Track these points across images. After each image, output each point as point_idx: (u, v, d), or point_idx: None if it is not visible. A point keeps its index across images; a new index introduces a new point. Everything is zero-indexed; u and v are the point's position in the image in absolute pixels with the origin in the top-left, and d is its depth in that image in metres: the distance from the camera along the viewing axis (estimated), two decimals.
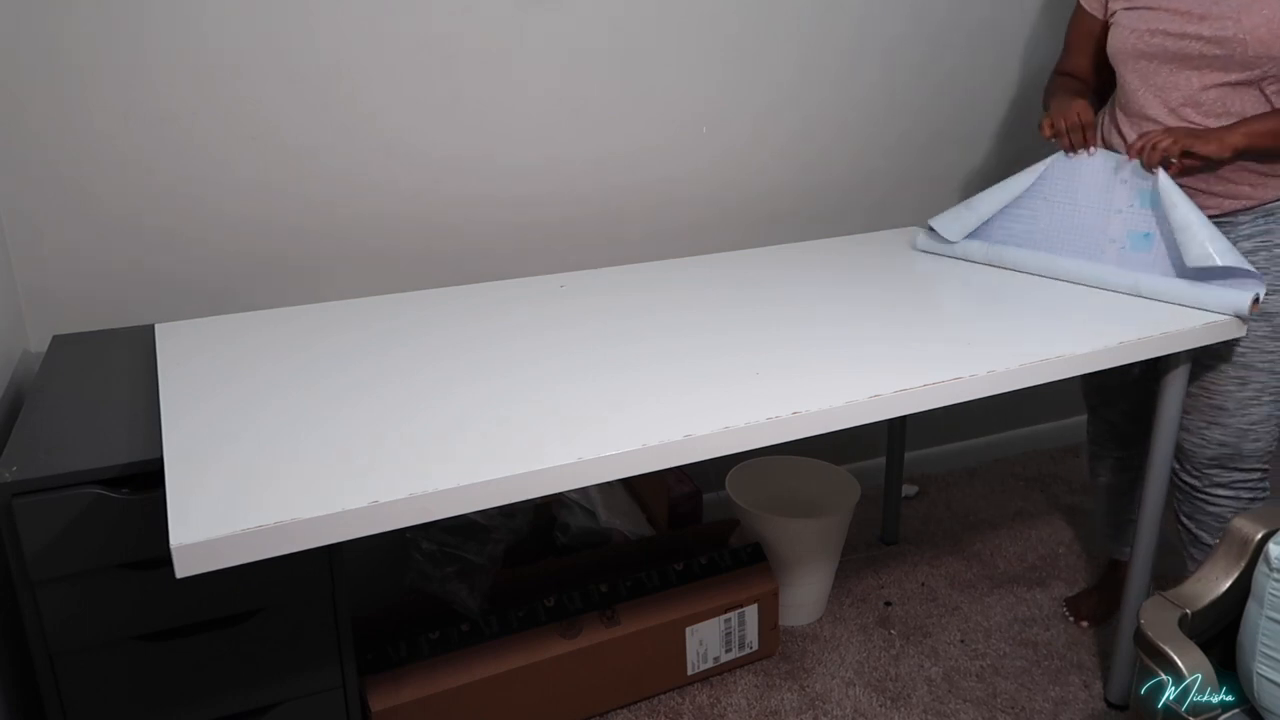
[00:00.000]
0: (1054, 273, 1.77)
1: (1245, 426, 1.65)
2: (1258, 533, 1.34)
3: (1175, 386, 1.63)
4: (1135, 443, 1.94)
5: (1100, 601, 2.06)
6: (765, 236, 2.25)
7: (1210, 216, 1.63)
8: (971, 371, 1.36)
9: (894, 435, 2.27)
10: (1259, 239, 1.62)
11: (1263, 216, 1.62)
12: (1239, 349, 1.63)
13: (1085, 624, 2.04)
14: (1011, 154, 2.43)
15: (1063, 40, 1.93)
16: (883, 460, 2.61)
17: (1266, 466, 1.69)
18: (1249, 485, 1.70)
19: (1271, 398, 1.65)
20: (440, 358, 1.44)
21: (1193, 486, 1.74)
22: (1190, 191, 1.64)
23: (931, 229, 1.94)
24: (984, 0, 2.26)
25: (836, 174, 2.26)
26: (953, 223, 1.89)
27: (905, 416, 2.34)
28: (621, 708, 1.83)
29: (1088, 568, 2.26)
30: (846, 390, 1.30)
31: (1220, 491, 1.71)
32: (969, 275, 1.81)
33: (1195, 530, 1.76)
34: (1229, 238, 1.63)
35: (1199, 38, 1.57)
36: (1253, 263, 1.61)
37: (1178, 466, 1.75)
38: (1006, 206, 1.83)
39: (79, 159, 1.66)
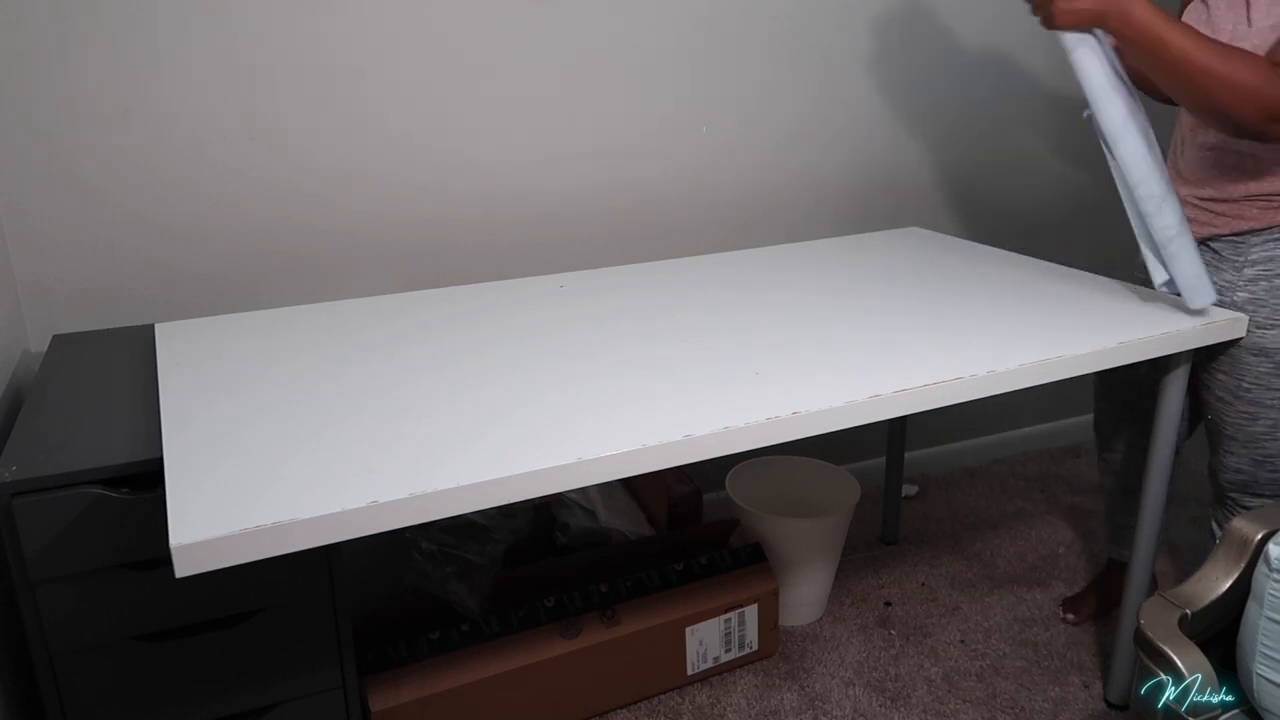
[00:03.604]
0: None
1: (1260, 458, 1.62)
2: (1258, 533, 1.34)
3: (1175, 387, 1.63)
4: (1134, 443, 1.93)
5: (1099, 603, 2.06)
6: (765, 236, 2.25)
7: (1220, 237, 1.58)
8: (971, 371, 1.36)
9: (894, 435, 2.27)
10: (1263, 266, 1.56)
11: (1272, 240, 1.54)
12: (1244, 384, 1.59)
13: (1071, 617, 2.05)
14: (1013, 153, 2.44)
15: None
16: (883, 460, 2.61)
17: None
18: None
19: None
20: (440, 358, 1.44)
21: (1221, 500, 1.72)
22: (1194, 212, 1.60)
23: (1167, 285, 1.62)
24: (986, 0, 2.26)
25: (836, 174, 2.26)
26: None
27: (905, 416, 2.34)
28: (621, 708, 1.83)
29: (1088, 568, 2.25)
30: (846, 390, 1.30)
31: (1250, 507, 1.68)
32: (969, 275, 1.81)
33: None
34: (1235, 261, 1.57)
35: None
36: (1250, 293, 1.56)
37: (1212, 479, 1.73)
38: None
39: (80, 157, 1.66)
